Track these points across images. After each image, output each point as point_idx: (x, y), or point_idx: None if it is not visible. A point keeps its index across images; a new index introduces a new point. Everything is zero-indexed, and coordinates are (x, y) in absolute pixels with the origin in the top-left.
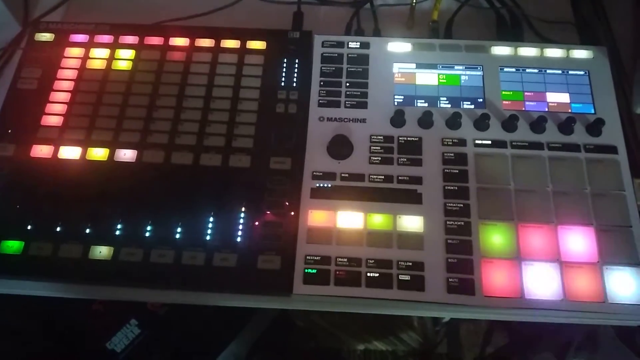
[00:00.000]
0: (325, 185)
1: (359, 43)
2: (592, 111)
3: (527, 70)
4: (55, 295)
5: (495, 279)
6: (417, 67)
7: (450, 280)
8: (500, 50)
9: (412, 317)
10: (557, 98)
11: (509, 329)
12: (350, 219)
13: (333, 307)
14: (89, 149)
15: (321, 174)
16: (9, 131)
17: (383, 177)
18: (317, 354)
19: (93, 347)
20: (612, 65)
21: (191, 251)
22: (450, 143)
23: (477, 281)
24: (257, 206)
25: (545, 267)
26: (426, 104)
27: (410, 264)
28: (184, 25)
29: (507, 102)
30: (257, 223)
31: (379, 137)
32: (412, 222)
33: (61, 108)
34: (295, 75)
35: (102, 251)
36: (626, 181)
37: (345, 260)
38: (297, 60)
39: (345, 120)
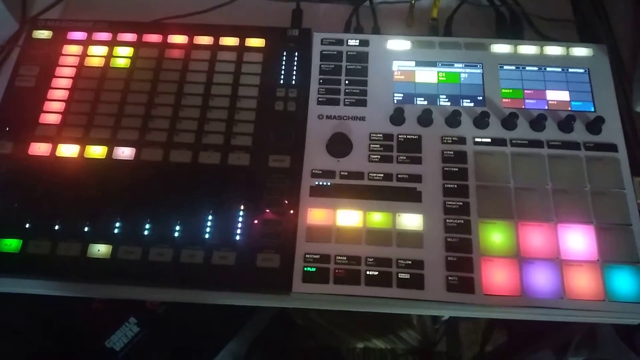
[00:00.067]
0: (325, 183)
1: (358, 41)
2: (592, 109)
3: (527, 68)
4: (54, 293)
5: (495, 277)
6: (416, 65)
7: (449, 278)
8: (500, 48)
9: (412, 316)
10: (557, 96)
11: (509, 327)
12: (349, 217)
13: (332, 305)
14: (87, 146)
15: (320, 172)
16: (7, 129)
17: (382, 175)
18: (316, 352)
19: (92, 345)
20: (612, 63)
21: (190, 249)
22: (450, 141)
23: (476, 279)
24: (256, 204)
25: (545, 266)
26: (426, 102)
27: (410, 262)
28: (182, 22)
29: (506, 100)
30: (256, 221)
31: (379, 135)
32: (411, 221)
33: (59, 106)
34: (295, 73)
35: (101, 249)
36: (626, 179)
37: (345, 258)
38: (296, 58)
39: (345, 118)
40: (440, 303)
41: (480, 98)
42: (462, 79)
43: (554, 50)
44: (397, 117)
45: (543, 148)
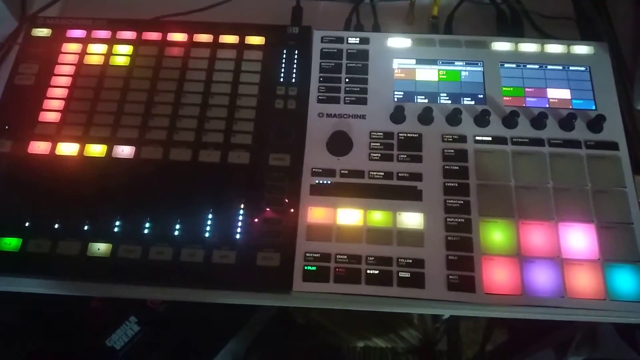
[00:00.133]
0: (325, 182)
1: (358, 39)
2: (593, 107)
3: (528, 66)
4: (54, 292)
5: (495, 276)
6: (417, 63)
7: (450, 277)
8: (501, 46)
9: (412, 315)
10: (558, 94)
11: (509, 326)
12: (350, 216)
13: (333, 304)
14: (86, 145)
15: (321, 170)
16: (6, 127)
17: (383, 173)
18: (316, 351)
19: (92, 344)
20: (613, 61)
21: (190, 248)
22: (451, 139)
23: (477, 278)
24: (256, 203)
25: (545, 264)
26: (426, 100)
27: (411, 261)
28: (182, 20)
29: (507, 98)
30: (256, 220)
31: (379, 134)
32: (412, 219)
33: (59, 104)
34: (295, 71)
35: (101, 248)
36: (627, 178)
37: (345, 257)
38: (296, 56)
39: (345, 116)
40: (441, 302)
41: (481, 96)
42: (463, 77)
43: (554, 48)
44: (398, 115)
45: (544, 146)
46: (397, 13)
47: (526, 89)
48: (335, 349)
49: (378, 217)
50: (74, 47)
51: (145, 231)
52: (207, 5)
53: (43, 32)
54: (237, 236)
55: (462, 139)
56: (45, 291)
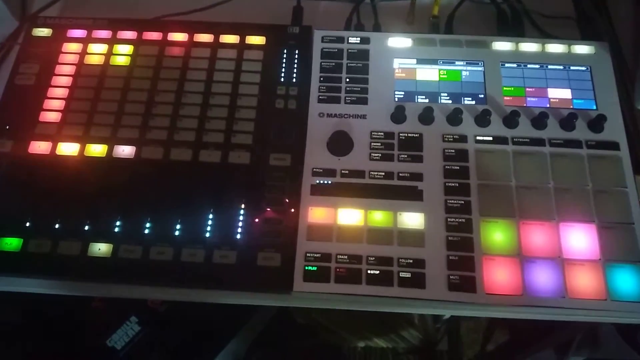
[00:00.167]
0: (326, 182)
1: (359, 38)
2: (594, 107)
3: (529, 65)
4: (54, 292)
5: (496, 276)
6: (417, 63)
7: (451, 277)
8: (501, 45)
9: (413, 315)
10: (559, 94)
11: (510, 327)
12: (350, 216)
13: (333, 304)
14: (87, 145)
15: (321, 170)
16: (7, 127)
17: (383, 173)
18: (317, 351)
19: (93, 344)
20: (613, 60)
21: (191, 248)
22: (451, 139)
23: (478, 278)
24: (257, 203)
25: (546, 265)
26: (427, 100)
27: (411, 261)
28: (182, 20)
29: (508, 98)
30: (256, 220)
31: (380, 134)
32: (412, 219)
33: (59, 104)
34: (295, 70)
35: (101, 248)
36: (628, 178)
37: (346, 257)
38: (296, 56)
39: (346, 116)
40: (442, 302)
41: (482, 96)
42: (464, 77)
43: (555, 47)
44: (398, 115)
45: (545, 146)
46: (398, 13)
47: (527, 89)
48: (335, 349)
49: (379, 217)
50: (75, 47)
51: (146, 231)
52: (207, 5)
53: (43, 32)
54: (238, 236)
55: (463, 138)
56: (45, 291)
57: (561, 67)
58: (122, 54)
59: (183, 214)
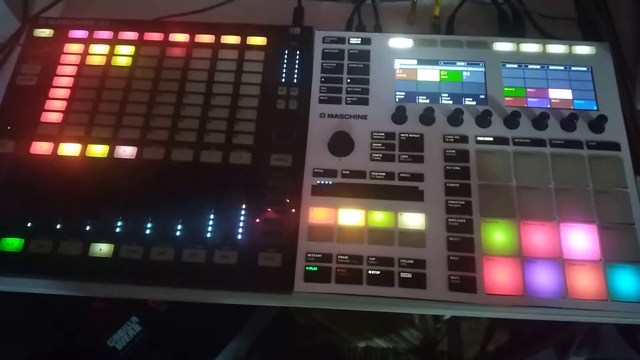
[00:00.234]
0: (326, 182)
1: (360, 39)
2: (595, 108)
3: (530, 66)
4: (56, 292)
5: (497, 276)
6: (418, 63)
7: (451, 277)
8: (502, 46)
9: (414, 315)
10: (560, 94)
11: (510, 327)
12: (351, 217)
13: (334, 304)
14: (88, 145)
15: (322, 171)
16: (9, 128)
17: (384, 174)
18: (318, 351)
19: (94, 344)
20: (614, 61)
21: (192, 248)
22: (452, 140)
23: (478, 279)
24: (258, 203)
25: (547, 265)
26: (428, 101)
27: (412, 261)
28: (184, 21)
29: (509, 99)
30: (257, 220)
31: (380, 134)
32: (413, 220)
33: (61, 104)
34: (296, 71)
35: (102, 248)
36: (629, 178)
37: (347, 257)
38: (297, 56)
39: (346, 116)
40: (442, 302)
41: (483, 96)
42: (464, 78)
43: (556, 48)
44: (399, 115)
45: (545, 147)
46: (399, 13)
47: (528, 89)
48: (336, 349)
49: (379, 218)
50: (76, 47)
51: (147, 231)
52: (208, 6)
53: (45, 32)
54: (239, 236)
55: (464, 139)
56: (47, 291)
57: (562, 68)
58: (124, 55)
59: (184, 215)
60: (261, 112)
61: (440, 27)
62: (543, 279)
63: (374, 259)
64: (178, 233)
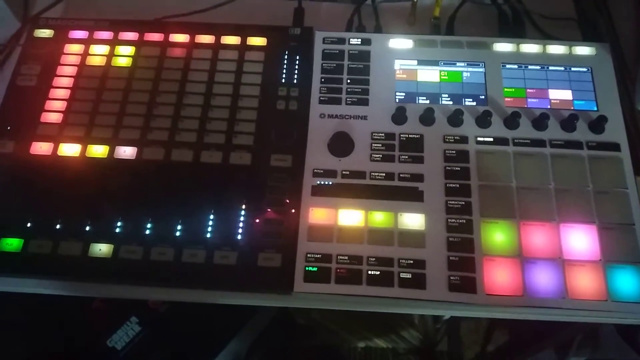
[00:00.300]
0: (326, 182)
1: (360, 39)
2: (595, 108)
3: (530, 67)
4: (55, 293)
5: (497, 277)
6: (418, 64)
7: (451, 278)
8: (503, 46)
9: (413, 315)
10: (560, 95)
11: (510, 327)
12: (351, 217)
13: (334, 305)
14: (88, 146)
15: (322, 171)
16: (8, 128)
17: (384, 174)
18: (317, 351)
19: (93, 344)
20: (614, 61)
21: (191, 249)
22: (452, 140)
23: (478, 279)
24: (258, 204)
25: (547, 265)
26: (428, 101)
27: (412, 261)
28: (184, 21)
29: (509, 99)
30: (257, 221)
31: (380, 134)
32: (413, 220)
33: (61, 105)
34: (296, 71)
35: (102, 249)
36: (629, 179)
37: (346, 258)
38: (297, 57)
39: (347, 117)
40: (442, 303)
41: (483, 97)
42: (465, 78)
43: (556, 49)
44: (399, 116)
45: (545, 147)
46: (399, 14)
47: (528, 90)
48: (336, 349)
49: (379, 218)
50: (76, 48)
51: (147, 232)
52: (209, 6)
53: (45, 33)
54: (239, 237)
55: (464, 139)
56: (46, 292)
57: (562, 68)
58: (124, 55)
59: (184, 215)
60: (261, 113)
61: (440, 27)
62: (543, 279)
63: (374, 259)
64: (178, 233)
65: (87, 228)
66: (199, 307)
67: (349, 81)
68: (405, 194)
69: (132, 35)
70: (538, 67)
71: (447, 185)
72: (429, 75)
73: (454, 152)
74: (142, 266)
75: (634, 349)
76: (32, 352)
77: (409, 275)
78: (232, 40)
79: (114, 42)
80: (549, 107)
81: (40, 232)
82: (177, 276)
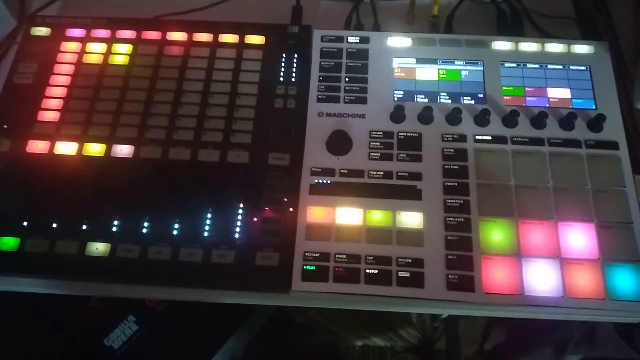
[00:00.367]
0: (324, 181)
1: (358, 38)
2: (593, 107)
3: (528, 65)
4: (52, 292)
5: (495, 275)
6: (417, 62)
7: (450, 276)
8: (501, 45)
9: (411, 314)
10: (558, 93)
11: (508, 325)
12: (349, 216)
13: (332, 303)
14: (85, 144)
15: (320, 170)
16: (5, 126)
17: (382, 173)
18: (315, 350)
19: (90, 343)
20: (613, 60)
21: (189, 248)
22: (450, 139)
23: (477, 278)
24: (256, 202)
25: (545, 264)
26: (426, 100)
27: (410, 260)
28: (181, 19)
29: (507, 98)
30: (255, 219)
31: (379, 133)
32: (411, 219)
33: (57, 103)
34: (294, 70)
35: (99, 248)
36: (627, 177)
37: (344, 256)
38: (296, 55)
39: (345, 115)
40: (440, 301)
41: (481, 95)
42: (463, 77)
43: (555, 47)
44: (398, 114)
45: (544, 146)
46: (398, 12)
47: (526, 89)
48: (334, 348)
49: (377, 217)
50: (73, 46)
51: (144, 231)
52: (206, 5)
53: (42, 31)
54: (236, 236)
55: (462, 138)
56: (43, 291)
57: (561, 67)
58: (121, 54)
59: (181, 214)
60: (259, 111)
61: (439, 26)
62: (541, 277)
63: (372, 258)
64: (175, 232)
65: (84, 227)
66: (196, 306)
67: (347, 79)
68: (403, 192)
69: (129, 34)
70: (537, 66)
71: (446, 183)
72: (428, 73)
73: (452, 150)
74: (139, 265)
75: (631, 347)
76: (29, 351)
77: (407, 274)
78: (229, 38)
79: (111, 40)
80: (547, 105)
81: (36, 231)
82: (175, 275)
